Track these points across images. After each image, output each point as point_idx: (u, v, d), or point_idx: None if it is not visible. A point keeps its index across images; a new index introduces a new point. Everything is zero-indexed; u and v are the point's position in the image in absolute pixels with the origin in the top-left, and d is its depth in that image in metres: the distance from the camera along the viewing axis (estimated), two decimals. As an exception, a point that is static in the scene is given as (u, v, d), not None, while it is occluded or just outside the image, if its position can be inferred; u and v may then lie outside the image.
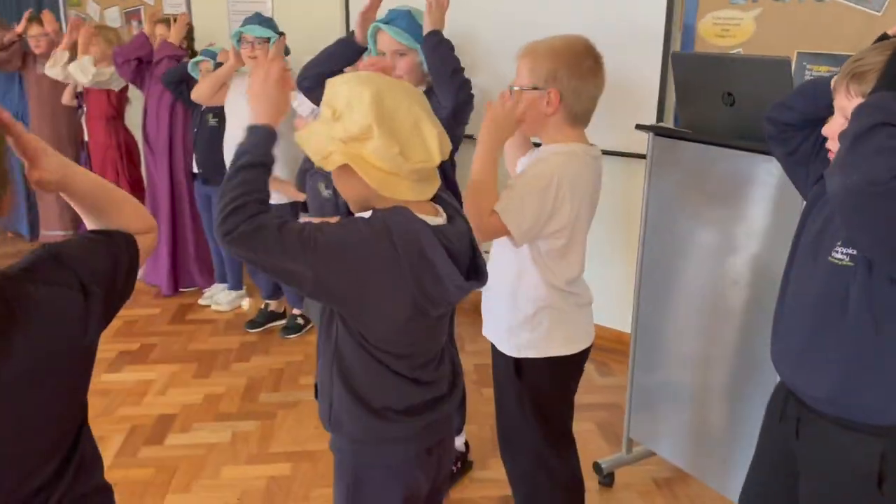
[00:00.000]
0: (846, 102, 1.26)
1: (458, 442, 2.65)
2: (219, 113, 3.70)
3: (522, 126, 1.74)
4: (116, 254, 1.07)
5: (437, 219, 1.31)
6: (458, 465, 2.63)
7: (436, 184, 1.34)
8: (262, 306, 3.91)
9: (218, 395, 3.17)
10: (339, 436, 1.42)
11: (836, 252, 1.32)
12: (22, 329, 0.90)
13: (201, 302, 4.18)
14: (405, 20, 2.30)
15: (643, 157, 2.44)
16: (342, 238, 1.24)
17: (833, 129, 1.30)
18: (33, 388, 0.93)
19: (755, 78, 1.95)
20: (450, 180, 2.42)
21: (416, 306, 1.28)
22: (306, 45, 3.79)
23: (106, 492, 1.16)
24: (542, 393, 1.83)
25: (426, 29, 2.23)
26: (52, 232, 4.93)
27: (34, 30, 4.62)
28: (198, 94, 3.60)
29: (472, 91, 2.27)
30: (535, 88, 1.70)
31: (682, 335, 2.37)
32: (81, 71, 4.14)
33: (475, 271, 1.37)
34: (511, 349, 1.85)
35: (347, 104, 1.25)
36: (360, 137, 1.23)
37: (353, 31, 2.42)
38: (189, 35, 4.14)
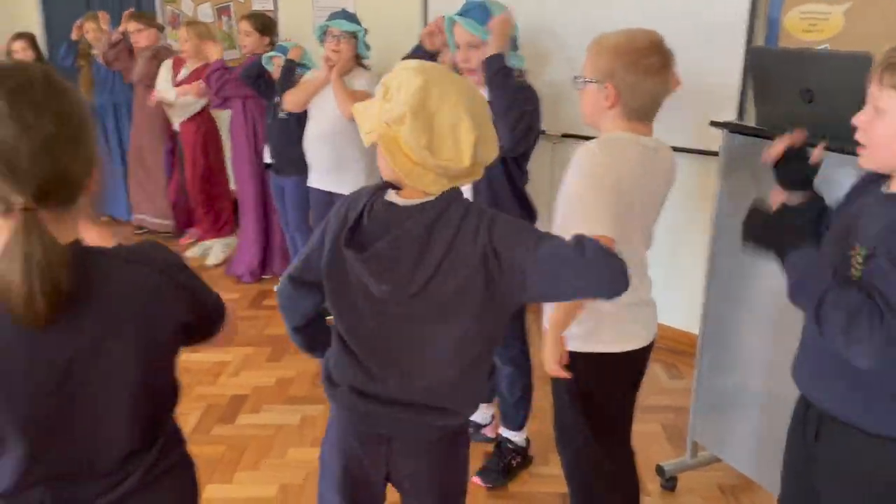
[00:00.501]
0: (877, 92, 1.25)
1: (520, 437, 2.66)
2: None
3: (584, 118, 1.74)
4: (211, 297, 1.20)
5: (408, 200, 1.34)
6: (519, 459, 2.64)
7: (464, 181, 1.35)
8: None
9: (289, 379, 3.28)
10: None
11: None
12: (96, 296, 0.98)
13: (276, 289, 4.30)
14: (478, 12, 2.30)
15: (717, 154, 2.38)
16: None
17: (862, 119, 1.29)
18: (112, 356, 1.01)
19: (836, 75, 1.87)
20: (518, 191, 2.42)
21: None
22: (387, 41, 3.86)
23: (190, 464, 1.25)
24: (588, 388, 1.81)
25: (489, 51, 2.21)
26: (142, 216, 5.21)
27: (132, 26, 4.86)
28: (292, 103, 3.63)
29: (532, 125, 2.23)
30: (594, 81, 1.70)
31: (751, 339, 2.30)
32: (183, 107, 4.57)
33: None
34: None
35: (398, 87, 1.28)
36: (398, 122, 1.26)
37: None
38: (272, 30, 4.25)
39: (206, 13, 5.69)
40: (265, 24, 4.20)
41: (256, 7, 5.17)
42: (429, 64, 1.36)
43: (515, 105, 2.17)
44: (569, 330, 1.76)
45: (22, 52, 5.01)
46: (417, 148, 1.26)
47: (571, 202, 1.68)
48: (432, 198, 1.33)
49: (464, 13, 2.30)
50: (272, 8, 5.17)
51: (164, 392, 1.15)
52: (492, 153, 1.34)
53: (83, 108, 0.99)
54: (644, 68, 1.65)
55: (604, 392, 1.83)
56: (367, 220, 1.34)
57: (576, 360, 1.79)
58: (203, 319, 1.19)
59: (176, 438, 1.20)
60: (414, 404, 1.41)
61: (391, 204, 1.34)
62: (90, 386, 1.00)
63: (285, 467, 2.66)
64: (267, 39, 4.16)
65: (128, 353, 1.03)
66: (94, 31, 5.06)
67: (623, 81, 1.66)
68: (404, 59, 3.77)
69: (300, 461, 2.69)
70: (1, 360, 0.92)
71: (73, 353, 0.97)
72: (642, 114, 1.71)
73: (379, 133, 1.29)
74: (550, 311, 1.73)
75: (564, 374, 1.72)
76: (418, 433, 1.46)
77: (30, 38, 5.14)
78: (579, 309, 1.67)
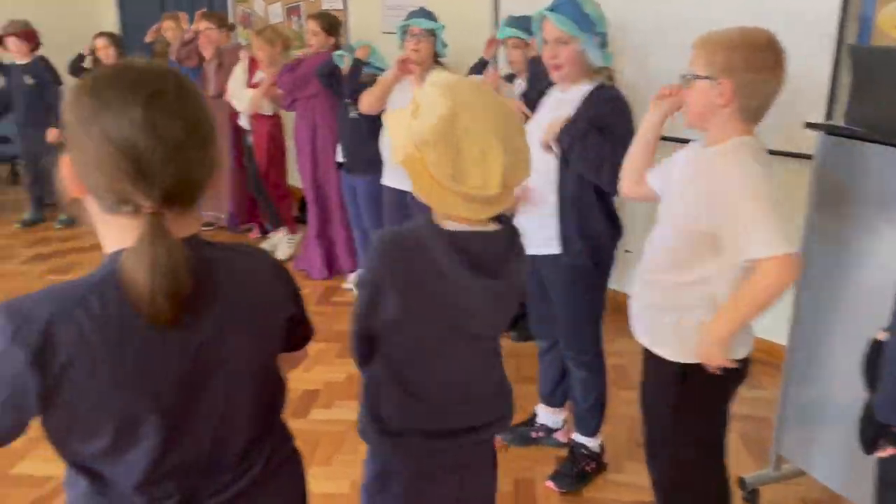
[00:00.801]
0: None
1: (594, 443, 2.62)
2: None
3: (689, 119, 1.69)
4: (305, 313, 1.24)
5: (463, 225, 1.31)
6: (593, 465, 2.59)
7: (497, 207, 1.30)
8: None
9: (358, 375, 3.28)
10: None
11: None
12: (216, 287, 1.01)
13: (345, 286, 4.35)
14: (569, 7, 2.23)
15: (804, 156, 2.29)
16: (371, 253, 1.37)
17: None
18: (234, 345, 1.03)
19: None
20: (607, 207, 2.37)
21: (412, 301, 1.33)
22: (459, 39, 3.85)
23: (299, 461, 1.26)
24: (703, 399, 1.76)
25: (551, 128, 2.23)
26: (204, 213, 5.32)
27: (202, 25, 4.95)
28: (368, 106, 3.55)
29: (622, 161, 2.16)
30: (707, 78, 1.62)
31: (843, 350, 2.20)
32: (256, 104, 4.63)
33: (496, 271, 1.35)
34: (677, 355, 1.77)
35: (427, 107, 1.24)
36: (424, 145, 1.22)
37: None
38: (338, 30, 4.27)
39: (276, 13, 5.78)
40: (331, 24, 4.22)
41: (326, 7, 5.22)
42: (461, 83, 1.29)
43: (604, 163, 2.17)
44: (691, 343, 1.72)
45: (103, 49, 5.17)
46: (444, 176, 1.23)
47: (743, 223, 1.59)
48: (498, 226, 1.35)
49: (553, 8, 2.25)
50: (341, 7, 5.21)
51: (276, 387, 1.17)
52: (524, 174, 1.29)
53: (210, 113, 1.01)
54: (761, 65, 1.58)
55: (719, 402, 1.78)
56: (478, 251, 1.30)
57: (696, 373, 1.73)
58: (302, 316, 1.22)
59: (285, 435, 1.21)
60: (475, 423, 1.45)
61: (482, 233, 1.32)
62: (217, 375, 1.02)
63: (356, 464, 2.64)
64: (333, 39, 4.19)
65: (248, 341, 1.05)
66: (172, 31, 5.19)
67: (740, 78, 1.59)
68: (473, 67, 3.74)
69: (372, 458, 2.69)
70: (137, 352, 0.94)
71: (200, 344, 0.99)
72: (753, 114, 1.65)
73: (406, 152, 1.25)
74: (702, 312, 1.71)
75: (730, 364, 1.70)
76: (484, 450, 1.50)
77: (111, 37, 5.29)
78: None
